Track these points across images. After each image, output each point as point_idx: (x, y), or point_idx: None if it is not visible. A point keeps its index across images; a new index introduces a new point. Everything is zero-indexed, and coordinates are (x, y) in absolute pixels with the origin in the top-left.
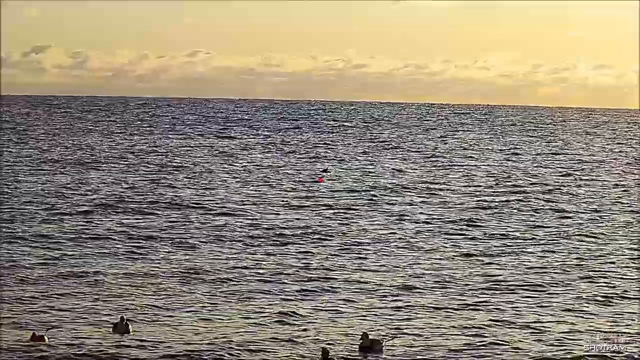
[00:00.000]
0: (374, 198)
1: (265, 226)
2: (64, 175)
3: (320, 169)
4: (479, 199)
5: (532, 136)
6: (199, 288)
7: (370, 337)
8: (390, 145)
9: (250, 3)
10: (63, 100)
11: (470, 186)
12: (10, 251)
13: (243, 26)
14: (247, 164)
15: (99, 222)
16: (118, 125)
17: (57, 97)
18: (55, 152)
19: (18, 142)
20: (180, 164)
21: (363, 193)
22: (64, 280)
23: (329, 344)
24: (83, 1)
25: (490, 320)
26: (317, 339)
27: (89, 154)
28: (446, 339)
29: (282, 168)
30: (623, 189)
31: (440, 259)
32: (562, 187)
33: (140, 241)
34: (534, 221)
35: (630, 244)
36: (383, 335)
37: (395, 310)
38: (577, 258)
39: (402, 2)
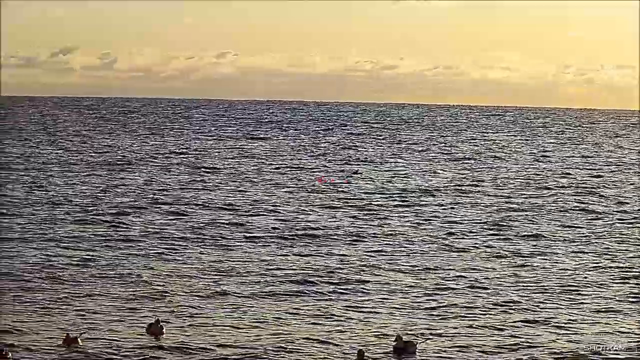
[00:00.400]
0: (405, 199)
1: (298, 227)
2: (95, 176)
3: (351, 171)
4: (509, 200)
5: (562, 138)
6: (232, 289)
7: (404, 338)
8: (421, 147)
9: (277, 3)
10: (92, 101)
11: (500, 187)
12: (42, 252)
13: (270, 26)
14: (278, 166)
15: (131, 224)
16: (148, 126)
17: (86, 98)
18: (86, 153)
19: (49, 143)
20: (211, 165)
21: (394, 194)
22: (97, 282)
23: (363, 345)
24: (110, 2)
25: (523, 321)
26: (351, 340)
27: (120, 155)
28: (479, 340)
29: (313, 170)
30: None
31: (472, 259)
32: (592, 189)
33: (173, 242)
34: (565, 222)
35: None
36: (416, 337)
37: (428, 311)
38: (608, 259)
39: (430, 2)
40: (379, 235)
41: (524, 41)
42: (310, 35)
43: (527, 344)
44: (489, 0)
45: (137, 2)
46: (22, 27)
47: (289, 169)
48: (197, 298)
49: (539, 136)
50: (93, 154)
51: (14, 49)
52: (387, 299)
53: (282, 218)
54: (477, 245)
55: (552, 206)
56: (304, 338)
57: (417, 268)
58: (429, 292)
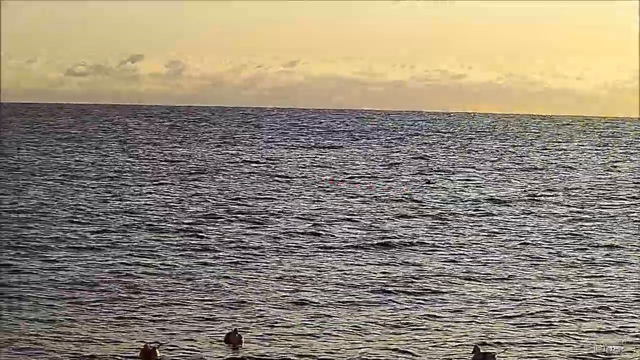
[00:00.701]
0: (478, 209)
1: (373, 236)
2: (168, 185)
3: (424, 181)
4: (582, 209)
5: (632, 148)
6: (310, 298)
7: (482, 349)
8: (493, 157)
9: (345, 9)
10: (162, 109)
11: (573, 197)
12: (118, 262)
13: (339, 34)
14: (351, 175)
15: (206, 233)
16: (219, 135)
17: (155, 106)
18: (159, 162)
19: (121, 152)
20: (284, 174)
21: (467, 204)
22: (174, 291)
23: (442, 356)
24: (178, 9)
25: (599, 331)
26: (429, 350)
27: (193, 164)
28: (556, 350)
29: (387, 179)
30: None
31: (546, 269)
32: None
33: (249, 251)
34: (638, 232)
35: None
36: (493, 347)
37: (504, 320)
38: None
39: (503, 2)
40: (454, 245)
41: (594, 49)
42: (379, 43)
43: (603, 354)
44: (557, 1)
45: (204, 9)
46: (90, 34)
47: (362, 179)
48: (275, 307)
49: (609, 146)
50: (165, 163)
51: (81, 57)
52: (464, 308)
53: (358, 227)
54: (551, 255)
55: (625, 216)
56: (382, 348)
57: (492, 277)
58: (505, 301)
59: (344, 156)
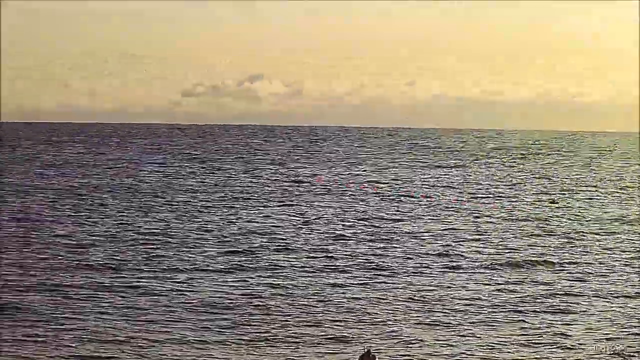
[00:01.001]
0: (603, 227)
1: (501, 255)
2: (293, 206)
3: (548, 200)
4: None
5: None
6: (440, 318)
7: None
8: (615, 176)
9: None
10: (283, 129)
11: None
12: (248, 283)
13: (456, 51)
14: (476, 194)
15: (335, 253)
16: (342, 155)
17: (276, 126)
18: (282, 182)
19: (245, 173)
20: (408, 195)
21: (592, 222)
22: (305, 312)
23: None
24: (296, 30)
25: None
26: None
27: (318, 184)
28: None
29: (511, 199)
30: None
31: None
32: None
33: (378, 271)
34: None
35: None
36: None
37: (633, 338)
38: None
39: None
40: (581, 263)
41: None
42: (497, 62)
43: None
44: None
45: (323, 30)
46: (206, 57)
47: (486, 198)
48: (407, 327)
49: None
50: (290, 183)
51: (199, 78)
52: (595, 326)
53: (485, 247)
54: None
55: None
56: None
57: (620, 295)
58: (635, 319)
59: (467, 176)
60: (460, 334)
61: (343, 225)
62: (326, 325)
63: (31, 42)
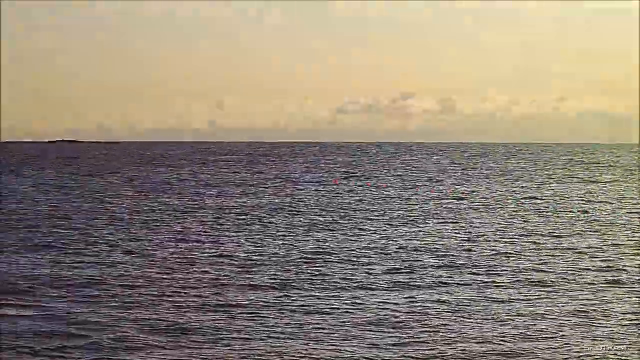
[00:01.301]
0: None
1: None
2: (453, 224)
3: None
4: None
5: None
6: (604, 330)
7: None
8: None
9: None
10: (437, 146)
11: None
12: (411, 298)
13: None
14: (632, 210)
15: (496, 269)
16: (498, 170)
17: (431, 143)
18: (440, 199)
19: (403, 190)
20: (563, 211)
21: None
22: (468, 326)
23: None
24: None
25: None
26: None
27: (477, 200)
28: None
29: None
30: None
31: None
32: None
33: (540, 287)
34: None
35: None
36: None
37: None
38: None
39: None
40: None
41: None
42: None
43: None
44: None
45: (475, 45)
46: (359, 75)
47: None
48: (573, 341)
49: None
50: (450, 200)
51: (355, 96)
52: None
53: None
54: None
55: None
56: None
57: None
58: None
59: (622, 191)
60: (630, 346)
61: (504, 241)
62: (494, 342)
63: (188, 63)
